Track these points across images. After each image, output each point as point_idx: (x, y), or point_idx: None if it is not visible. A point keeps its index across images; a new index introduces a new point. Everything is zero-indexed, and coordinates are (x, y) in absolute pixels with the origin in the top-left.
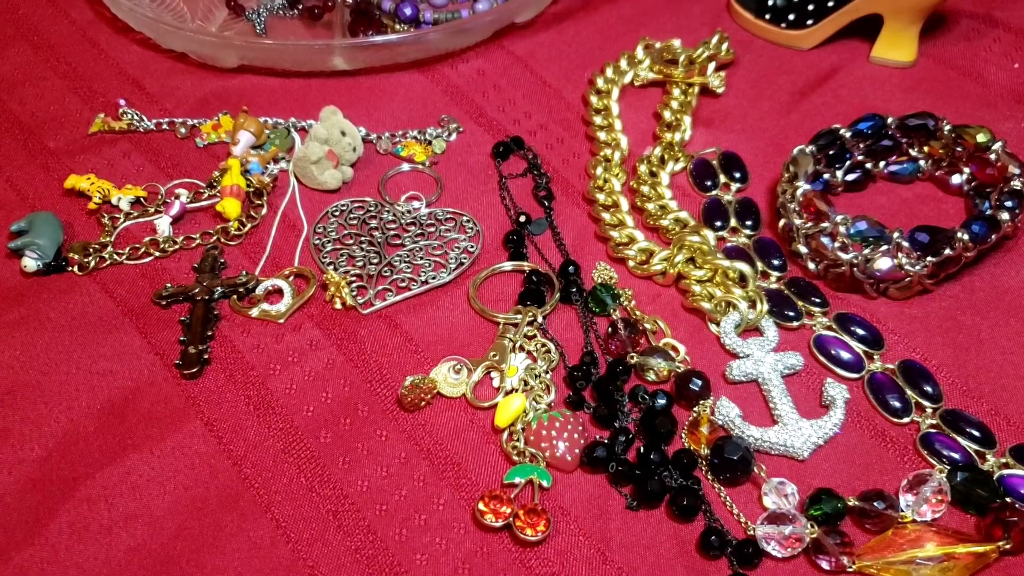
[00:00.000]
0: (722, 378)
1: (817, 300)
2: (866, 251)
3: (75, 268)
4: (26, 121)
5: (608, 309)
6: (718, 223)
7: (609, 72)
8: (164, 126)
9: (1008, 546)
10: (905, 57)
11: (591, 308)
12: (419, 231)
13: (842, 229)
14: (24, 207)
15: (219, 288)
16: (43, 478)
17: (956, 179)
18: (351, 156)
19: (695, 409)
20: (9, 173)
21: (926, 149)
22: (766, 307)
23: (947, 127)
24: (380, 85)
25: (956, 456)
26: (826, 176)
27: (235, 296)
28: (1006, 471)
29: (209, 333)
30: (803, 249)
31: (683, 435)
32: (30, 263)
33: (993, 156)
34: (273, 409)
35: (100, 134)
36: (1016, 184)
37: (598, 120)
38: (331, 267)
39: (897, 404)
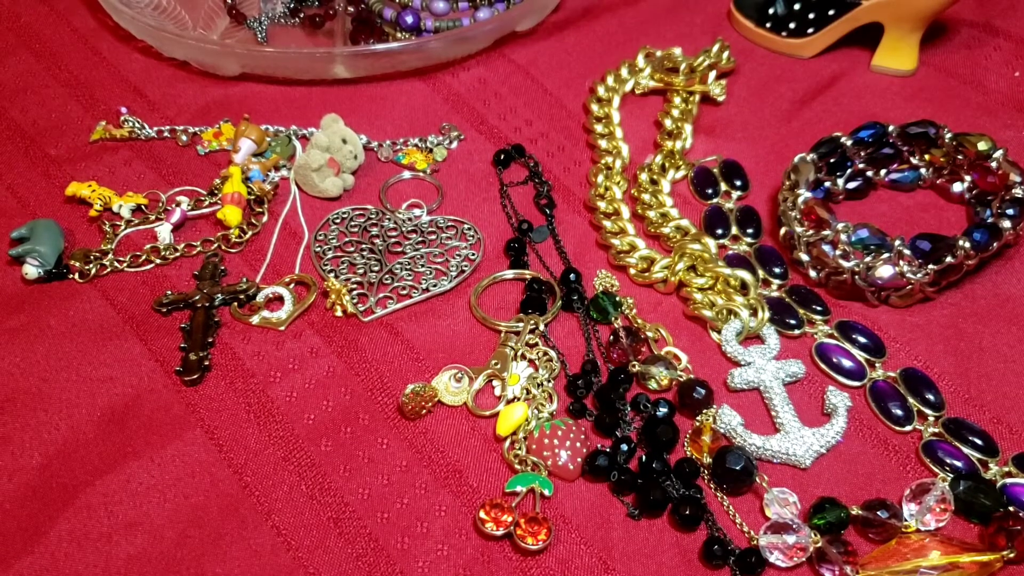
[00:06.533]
0: (724, 386)
1: (818, 308)
2: (867, 259)
3: (76, 275)
4: (27, 128)
5: (609, 317)
6: (719, 231)
7: (610, 80)
8: (165, 134)
9: (1012, 555)
10: (906, 65)
11: (592, 316)
12: (420, 239)
13: (843, 237)
14: (25, 214)
15: (220, 295)
16: (43, 485)
17: (957, 187)
18: (352, 164)
19: (698, 418)
20: (10, 180)
21: (927, 157)
22: (767, 315)
23: (948, 135)
24: (381, 93)
25: (959, 464)
26: (827, 184)
27: (236, 303)
28: (1009, 480)
29: (210, 340)
30: (804, 257)
31: (686, 444)
32: (31, 270)
33: (994, 164)
34: (274, 417)
35: (101, 142)
36: (1017, 192)
37: (599, 128)
38: (332, 274)
39: (899, 412)
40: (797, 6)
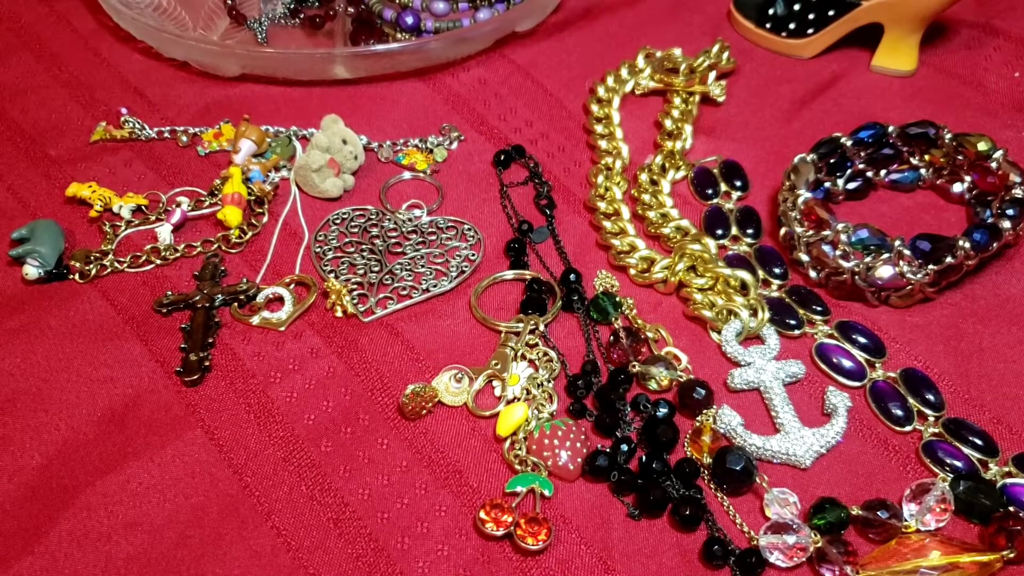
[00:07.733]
0: (724, 387)
1: (818, 308)
2: (867, 259)
3: (76, 276)
4: (28, 129)
5: (610, 317)
6: (719, 231)
7: (610, 81)
8: (166, 134)
9: (1012, 555)
10: (906, 66)
11: (593, 316)
12: (420, 239)
13: (843, 237)
14: (25, 215)
15: (220, 296)
16: (43, 486)
17: (957, 187)
18: (352, 164)
19: (698, 419)
20: (11, 181)
21: (927, 157)
22: (767, 315)
23: (948, 136)
24: (381, 94)
25: (959, 464)
26: (827, 184)
27: (236, 304)
28: (1009, 480)
29: (210, 340)
30: (804, 257)
31: (686, 444)
32: (31, 271)
33: (994, 164)
34: (274, 417)
35: (102, 142)
36: (1017, 192)
37: (599, 129)
38: (332, 275)
39: (899, 412)
40: (797, 6)
